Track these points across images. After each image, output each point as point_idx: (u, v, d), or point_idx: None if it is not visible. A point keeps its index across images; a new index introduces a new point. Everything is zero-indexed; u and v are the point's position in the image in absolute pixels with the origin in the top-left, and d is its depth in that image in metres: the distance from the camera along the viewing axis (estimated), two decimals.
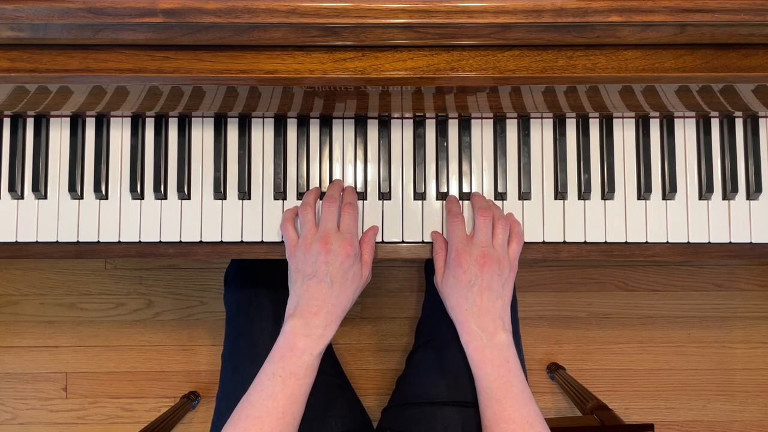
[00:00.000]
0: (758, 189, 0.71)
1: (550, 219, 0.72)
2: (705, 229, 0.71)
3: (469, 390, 0.72)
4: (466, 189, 0.72)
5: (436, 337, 0.81)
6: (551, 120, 0.73)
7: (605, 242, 0.72)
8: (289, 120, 0.72)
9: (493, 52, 0.57)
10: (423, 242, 0.72)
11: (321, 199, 0.69)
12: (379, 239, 0.72)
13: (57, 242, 0.71)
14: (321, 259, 0.63)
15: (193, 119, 0.72)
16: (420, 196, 0.72)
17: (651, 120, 0.72)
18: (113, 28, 0.54)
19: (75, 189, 0.71)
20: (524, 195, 0.72)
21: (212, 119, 0.72)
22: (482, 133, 0.73)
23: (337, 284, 0.63)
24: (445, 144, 0.73)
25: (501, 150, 0.72)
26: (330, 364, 0.85)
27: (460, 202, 0.71)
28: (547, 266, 1.48)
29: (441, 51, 0.57)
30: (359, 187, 0.73)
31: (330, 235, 0.64)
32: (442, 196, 0.72)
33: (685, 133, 0.72)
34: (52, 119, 0.72)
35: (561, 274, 1.48)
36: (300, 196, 0.72)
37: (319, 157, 0.73)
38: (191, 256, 0.71)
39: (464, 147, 0.72)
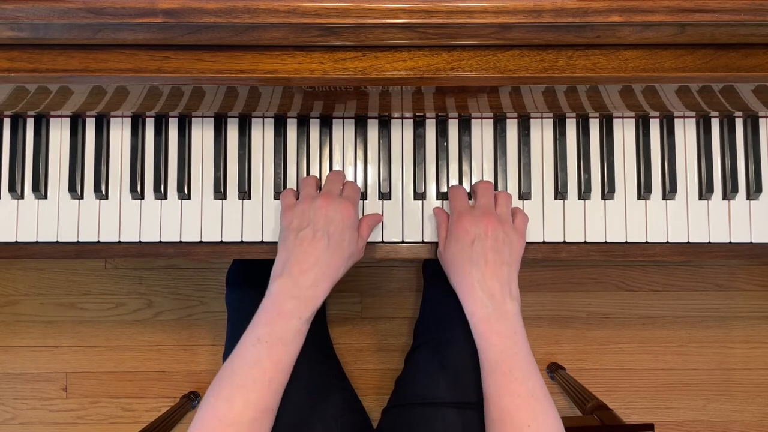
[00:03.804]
0: (758, 189, 0.71)
1: (550, 219, 0.72)
2: (705, 229, 0.71)
3: (469, 390, 0.72)
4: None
5: (434, 336, 0.81)
6: (551, 120, 0.72)
7: (605, 242, 0.72)
8: (289, 120, 0.72)
9: (493, 52, 0.57)
10: (423, 242, 0.72)
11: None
12: (379, 239, 0.72)
13: (57, 242, 0.71)
14: (321, 212, 0.61)
15: (193, 119, 0.72)
16: (420, 196, 0.72)
17: (651, 120, 0.72)
18: (113, 28, 0.54)
19: (75, 189, 0.71)
20: (524, 195, 0.72)
21: (212, 119, 0.72)
22: (482, 133, 0.73)
23: (334, 241, 0.60)
24: (445, 144, 0.73)
25: (501, 150, 0.72)
26: (330, 364, 0.85)
27: None
28: (547, 266, 1.48)
29: (441, 51, 0.57)
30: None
31: (333, 194, 0.64)
32: (442, 196, 0.72)
33: (685, 132, 0.72)
34: (52, 119, 0.72)
35: (561, 274, 1.48)
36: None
37: (319, 157, 0.73)
38: (191, 256, 0.71)
39: (464, 147, 0.72)
